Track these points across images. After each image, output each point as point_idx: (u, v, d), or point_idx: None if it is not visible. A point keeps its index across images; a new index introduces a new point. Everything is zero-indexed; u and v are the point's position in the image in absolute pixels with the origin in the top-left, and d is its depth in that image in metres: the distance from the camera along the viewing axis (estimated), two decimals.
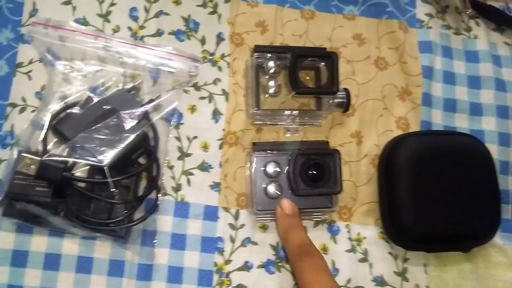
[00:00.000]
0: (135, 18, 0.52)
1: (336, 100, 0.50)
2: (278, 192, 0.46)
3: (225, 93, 0.52)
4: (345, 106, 0.50)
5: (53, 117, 0.45)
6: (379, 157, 0.51)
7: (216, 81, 0.52)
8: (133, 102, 0.47)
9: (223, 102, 0.51)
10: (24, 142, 0.46)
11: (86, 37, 0.49)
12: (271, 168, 0.47)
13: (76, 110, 0.46)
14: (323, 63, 0.50)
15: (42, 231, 0.45)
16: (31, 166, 0.41)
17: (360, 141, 0.52)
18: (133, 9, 0.52)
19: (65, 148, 0.43)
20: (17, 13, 0.50)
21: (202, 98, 0.51)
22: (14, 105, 0.48)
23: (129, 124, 0.45)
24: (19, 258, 0.45)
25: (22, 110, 0.48)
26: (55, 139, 0.46)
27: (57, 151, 0.44)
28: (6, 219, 0.44)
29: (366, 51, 0.55)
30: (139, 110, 0.46)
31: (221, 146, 0.50)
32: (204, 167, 0.50)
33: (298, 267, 0.42)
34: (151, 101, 0.48)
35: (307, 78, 0.51)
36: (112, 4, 0.52)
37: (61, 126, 0.44)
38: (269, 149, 0.48)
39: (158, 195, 0.47)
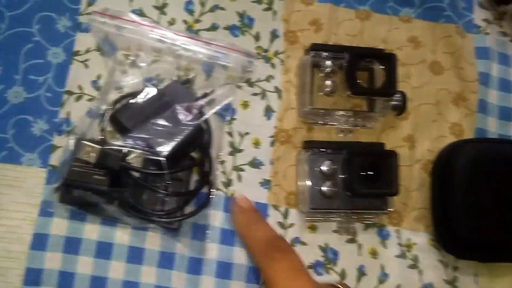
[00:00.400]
0: (190, 12, 0.52)
1: (392, 103, 0.49)
2: (334, 190, 0.46)
3: (277, 90, 0.51)
4: (400, 109, 0.49)
5: (112, 107, 0.45)
6: (433, 163, 0.51)
7: (269, 78, 0.51)
8: (188, 95, 0.47)
9: (275, 99, 0.51)
10: (80, 130, 0.46)
11: (143, 28, 0.49)
12: (326, 167, 0.46)
13: (134, 100, 0.45)
14: (379, 65, 0.49)
15: (94, 219, 0.45)
16: (91, 154, 0.41)
17: (412, 146, 0.52)
18: (189, 3, 0.52)
19: (124, 138, 0.43)
20: (75, 1, 0.51)
21: (255, 94, 0.51)
22: (70, 93, 0.48)
23: (185, 117, 0.45)
24: (72, 245, 0.44)
25: (78, 98, 0.48)
26: (112, 129, 0.46)
27: (115, 141, 0.43)
28: (61, 206, 0.44)
29: (421, 54, 0.54)
30: (195, 104, 0.46)
31: (272, 144, 0.50)
32: (255, 163, 0.49)
33: (268, 267, 0.35)
34: (206, 95, 0.48)
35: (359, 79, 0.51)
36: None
37: (121, 115, 0.44)
38: (324, 148, 0.47)
39: (211, 189, 0.46)
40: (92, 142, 0.42)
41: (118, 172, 0.42)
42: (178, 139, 0.44)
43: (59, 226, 0.45)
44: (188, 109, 0.45)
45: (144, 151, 0.43)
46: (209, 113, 0.48)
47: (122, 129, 0.44)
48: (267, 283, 0.37)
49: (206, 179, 0.47)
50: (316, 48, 0.48)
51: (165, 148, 0.43)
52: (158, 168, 0.43)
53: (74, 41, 0.49)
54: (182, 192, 0.45)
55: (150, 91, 0.46)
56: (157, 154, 0.43)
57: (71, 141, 0.45)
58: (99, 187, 0.42)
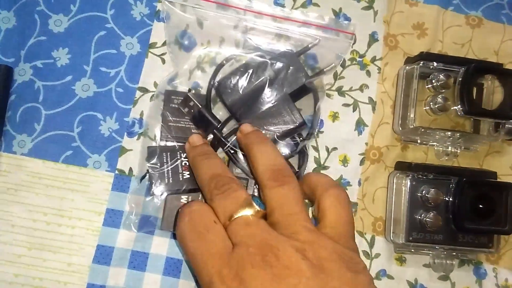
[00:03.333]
0: (280, 5, 0.46)
1: (508, 126, 0.43)
2: (438, 223, 0.40)
3: (372, 102, 0.45)
4: None
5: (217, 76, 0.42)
6: None
7: (363, 87, 0.45)
8: (300, 72, 0.42)
9: (369, 112, 0.45)
10: (152, 132, 0.41)
11: (227, 19, 0.43)
12: (431, 195, 0.40)
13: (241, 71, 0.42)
14: (493, 81, 0.43)
15: (164, 233, 0.40)
16: (191, 110, 0.40)
17: None
18: None
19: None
20: None
21: (346, 105, 0.45)
22: (144, 90, 0.43)
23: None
24: (138, 260, 0.40)
25: (154, 97, 0.43)
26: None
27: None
28: (130, 215, 0.39)
29: None
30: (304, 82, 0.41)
31: (362, 162, 0.44)
32: (342, 183, 0.44)
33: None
34: (320, 72, 0.43)
35: None
36: None
37: (223, 89, 0.41)
38: (428, 172, 0.41)
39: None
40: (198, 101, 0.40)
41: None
42: (274, 135, 0.40)
43: (126, 238, 0.40)
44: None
45: None
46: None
47: (222, 102, 0.41)
48: None
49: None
50: (426, 57, 0.42)
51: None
52: None
53: (151, 31, 0.44)
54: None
55: (260, 62, 0.42)
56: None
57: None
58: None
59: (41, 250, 0.39)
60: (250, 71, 0.41)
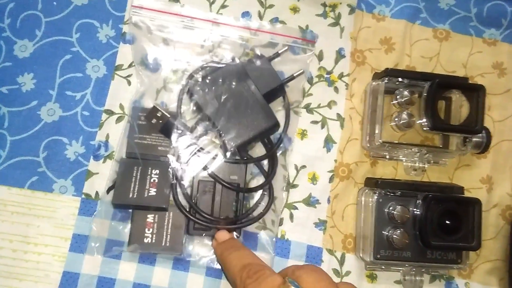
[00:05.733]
0: (246, 24, 0.46)
1: (474, 140, 0.43)
2: (405, 241, 0.40)
3: (340, 118, 0.45)
4: (484, 147, 0.43)
5: (190, 79, 0.43)
6: None
7: (331, 104, 0.46)
8: (271, 76, 0.42)
9: (337, 128, 0.45)
10: (119, 153, 0.41)
11: (193, 37, 0.43)
12: (397, 212, 0.40)
13: (213, 74, 0.42)
14: (460, 94, 0.43)
15: (131, 257, 0.41)
16: (159, 121, 0.41)
17: (490, 188, 0.45)
18: (246, 14, 0.46)
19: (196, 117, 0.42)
20: (120, 7, 0.45)
21: (315, 122, 0.45)
22: (110, 112, 0.43)
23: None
24: (105, 286, 0.40)
25: (120, 119, 0.43)
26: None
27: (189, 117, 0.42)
28: (95, 240, 0.39)
29: (507, 83, 0.48)
30: (277, 86, 0.42)
31: (331, 179, 0.44)
32: (311, 201, 0.44)
33: None
34: (291, 77, 0.43)
35: None
36: (223, 7, 0.46)
37: (196, 90, 0.41)
38: (395, 189, 0.41)
39: (271, 195, 0.42)
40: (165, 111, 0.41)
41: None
42: (250, 133, 0.40)
43: (92, 264, 0.40)
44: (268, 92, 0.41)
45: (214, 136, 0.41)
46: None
47: (196, 105, 0.41)
48: None
49: (267, 181, 0.42)
50: (391, 73, 0.42)
51: (237, 139, 0.40)
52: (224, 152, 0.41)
53: (117, 53, 0.44)
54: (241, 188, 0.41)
55: (233, 65, 0.42)
56: (226, 142, 0.40)
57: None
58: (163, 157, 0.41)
59: (7, 278, 0.39)
60: (224, 75, 0.41)
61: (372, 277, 0.44)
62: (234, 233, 0.41)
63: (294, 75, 0.44)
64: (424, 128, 0.42)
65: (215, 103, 0.41)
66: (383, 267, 0.43)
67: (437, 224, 0.40)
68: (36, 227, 0.40)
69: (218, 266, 0.41)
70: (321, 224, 0.44)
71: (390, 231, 0.41)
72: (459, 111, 0.44)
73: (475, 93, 0.41)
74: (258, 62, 0.43)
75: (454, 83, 0.42)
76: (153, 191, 0.40)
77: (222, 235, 0.39)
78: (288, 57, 0.45)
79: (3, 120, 0.42)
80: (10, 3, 0.44)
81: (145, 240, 0.40)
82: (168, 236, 0.41)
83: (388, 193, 0.42)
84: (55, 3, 0.44)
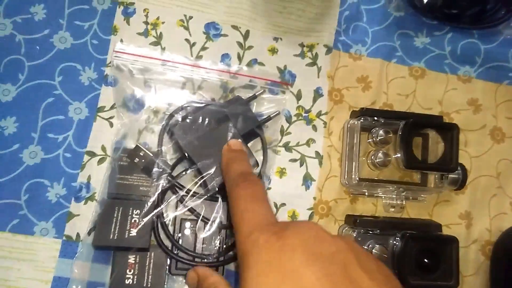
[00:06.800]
0: (227, 65, 0.47)
1: (450, 177, 0.43)
2: None
3: (318, 156, 0.46)
4: (460, 184, 0.44)
5: (170, 119, 0.44)
6: (494, 245, 0.45)
7: (309, 142, 0.46)
8: (250, 116, 0.44)
9: (316, 166, 0.46)
10: (101, 195, 0.42)
11: (173, 79, 0.44)
12: (376, 251, 0.41)
13: (193, 115, 0.43)
14: (436, 132, 0.44)
15: None
16: (142, 160, 0.42)
17: (469, 224, 0.46)
18: (225, 56, 0.47)
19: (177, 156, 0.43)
20: (102, 51, 0.46)
21: (293, 160, 0.46)
22: (92, 154, 0.44)
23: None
24: None
25: (101, 160, 0.43)
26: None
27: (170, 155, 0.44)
28: (75, 282, 0.39)
29: (482, 119, 0.48)
30: (255, 127, 0.44)
31: (311, 217, 0.45)
32: None
33: (235, 193, 0.35)
34: (268, 118, 0.45)
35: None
36: (204, 49, 0.47)
37: (176, 130, 0.42)
38: (373, 227, 0.42)
39: None
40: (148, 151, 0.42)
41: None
42: None
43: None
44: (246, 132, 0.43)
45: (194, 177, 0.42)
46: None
47: (177, 144, 0.42)
48: (231, 208, 0.35)
49: None
50: (366, 113, 0.43)
51: (217, 177, 0.41)
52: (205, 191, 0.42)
53: (99, 95, 0.45)
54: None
55: (212, 105, 0.44)
56: (207, 180, 0.41)
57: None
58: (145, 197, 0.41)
59: None
60: (204, 115, 0.43)
61: None
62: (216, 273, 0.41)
63: (271, 116, 0.45)
64: (400, 166, 0.43)
65: (195, 142, 0.42)
66: None
67: (415, 262, 0.40)
68: (16, 270, 0.41)
69: None
70: None
71: None
72: (436, 147, 0.45)
73: (449, 132, 0.42)
74: (236, 104, 0.44)
75: (428, 122, 0.43)
76: (134, 232, 0.41)
77: (235, 143, 0.40)
78: (266, 98, 0.46)
79: None
80: None
81: (126, 282, 0.41)
82: (150, 276, 0.41)
83: (367, 232, 0.42)
84: (38, 47, 0.45)
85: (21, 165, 0.43)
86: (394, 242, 0.41)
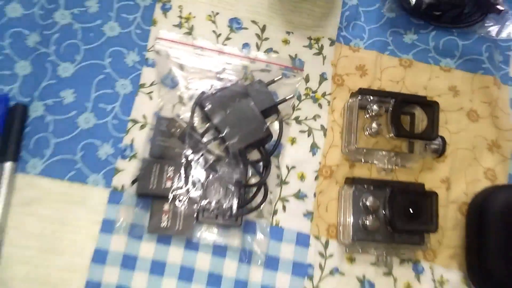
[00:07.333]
0: (247, 52, 0.56)
1: (432, 146, 0.52)
2: (376, 224, 0.49)
3: (323, 128, 0.55)
4: (440, 152, 0.53)
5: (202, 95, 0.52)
6: (469, 206, 0.53)
7: (316, 117, 0.55)
8: (268, 97, 0.52)
9: (321, 137, 0.55)
10: (142, 154, 0.50)
11: (203, 64, 0.54)
12: (370, 202, 0.49)
13: (221, 92, 0.52)
14: (421, 110, 0.53)
15: (151, 238, 0.49)
16: (177, 129, 0.50)
17: (449, 187, 0.55)
18: (246, 45, 0.57)
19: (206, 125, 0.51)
20: (144, 38, 0.56)
21: (302, 131, 0.55)
22: (135, 121, 0.53)
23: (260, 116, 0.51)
24: (128, 262, 0.48)
25: (143, 127, 0.52)
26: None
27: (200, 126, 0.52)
28: (122, 223, 0.48)
29: (460, 102, 0.57)
30: (272, 106, 0.52)
31: (316, 178, 0.54)
32: (300, 195, 0.53)
33: None
34: (284, 100, 0.53)
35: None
36: (228, 39, 0.57)
37: (206, 103, 0.50)
38: (368, 184, 0.50)
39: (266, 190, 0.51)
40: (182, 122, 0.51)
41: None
42: (249, 140, 0.50)
43: (118, 243, 0.49)
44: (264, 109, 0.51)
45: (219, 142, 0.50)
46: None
47: (205, 115, 0.50)
48: None
49: (263, 180, 0.51)
50: (363, 92, 0.52)
51: (238, 144, 0.49)
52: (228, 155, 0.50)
53: (140, 75, 0.54)
54: (253, 184, 0.51)
55: (237, 85, 0.52)
56: (229, 144, 0.49)
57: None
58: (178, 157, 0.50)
59: (48, 253, 0.48)
60: (230, 93, 0.51)
61: (351, 259, 0.52)
62: None
63: (286, 98, 0.54)
64: (391, 135, 0.52)
65: (221, 114, 0.51)
66: (360, 250, 0.52)
67: (402, 211, 0.49)
68: (73, 213, 0.49)
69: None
70: (308, 215, 0.52)
71: (364, 218, 0.50)
72: (421, 124, 0.54)
73: (431, 108, 0.52)
74: (257, 85, 0.53)
75: (414, 99, 0.52)
76: (169, 184, 0.50)
77: None
78: (282, 82, 0.55)
79: (48, 126, 0.51)
80: (55, 33, 0.54)
81: (162, 225, 0.49)
82: (181, 222, 0.50)
83: (363, 187, 0.51)
84: (91, 34, 0.55)
85: (77, 129, 0.52)
86: (386, 195, 0.50)
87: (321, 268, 0.51)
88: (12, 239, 0.48)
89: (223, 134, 0.50)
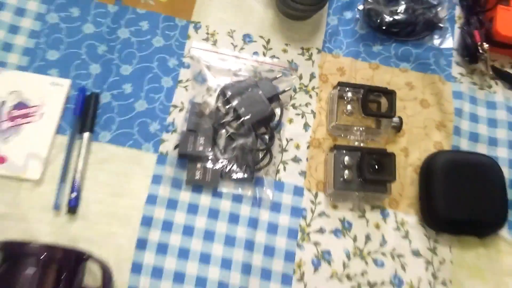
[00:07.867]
0: (256, 58, 0.77)
1: (393, 124, 0.72)
2: (352, 177, 0.68)
3: (313, 112, 0.75)
4: (399, 128, 0.72)
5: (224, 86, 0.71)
6: (421, 166, 0.72)
7: (307, 104, 0.75)
8: (272, 89, 0.72)
9: (311, 118, 0.75)
10: (180, 129, 0.70)
11: (224, 65, 0.74)
12: (346, 161, 0.68)
13: (239, 84, 0.71)
14: (384, 98, 0.73)
15: (187, 188, 0.68)
16: (206, 110, 0.69)
17: (407, 155, 0.74)
18: (255, 53, 0.77)
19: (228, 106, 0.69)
20: (181, 48, 0.76)
21: (297, 114, 0.75)
22: (175, 106, 0.73)
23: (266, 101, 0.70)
24: (172, 204, 0.67)
25: (180, 110, 0.72)
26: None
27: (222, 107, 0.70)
28: (167, 178, 0.67)
29: (414, 94, 0.77)
30: (275, 94, 0.71)
31: (308, 147, 0.73)
32: (296, 160, 0.72)
33: None
34: (283, 91, 0.73)
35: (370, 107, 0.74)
36: (241, 49, 0.77)
37: (227, 91, 0.69)
38: (345, 149, 0.70)
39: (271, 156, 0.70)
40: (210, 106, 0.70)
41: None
42: (258, 117, 0.68)
43: (164, 191, 0.67)
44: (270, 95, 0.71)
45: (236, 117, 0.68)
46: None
47: (227, 100, 0.68)
48: None
49: (268, 146, 0.70)
50: (342, 85, 0.73)
51: (251, 120, 0.67)
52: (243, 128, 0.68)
53: (178, 74, 0.75)
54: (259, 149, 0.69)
55: (249, 80, 0.71)
56: (244, 120, 0.67)
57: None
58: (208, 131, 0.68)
59: (115, 196, 0.66)
60: (244, 85, 0.71)
61: (334, 206, 0.71)
62: None
63: (285, 90, 0.74)
64: (362, 115, 0.72)
65: (238, 99, 0.70)
66: (341, 200, 0.70)
67: (370, 167, 0.68)
68: (132, 169, 0.68)
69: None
70: (303, 174, 0.71)
71: (343, 173, 0.69)
72: (385, 109, 0.74)
73: (390, 95, 0.72)
74: (264, 80, 0.73)
75: (378, 89, 0.72)
76: (201, 148, 0.69)
77: None
78: (282, 79, 0.75)
79: (114, 108, 0.71)
80: (118, 44, 0.75)
81: (196, 177, 0.68)
82: (209, 176, 0.68)
83: (342, 151, 0.70)
84: (144, 45, 0.76)
85: (134, 111, 0.72)
86: (358, 156, 0.69)
87: (312, 211, 0.69)
88: (89, 187, 0.67)
89: (240, 112, 0.69)
